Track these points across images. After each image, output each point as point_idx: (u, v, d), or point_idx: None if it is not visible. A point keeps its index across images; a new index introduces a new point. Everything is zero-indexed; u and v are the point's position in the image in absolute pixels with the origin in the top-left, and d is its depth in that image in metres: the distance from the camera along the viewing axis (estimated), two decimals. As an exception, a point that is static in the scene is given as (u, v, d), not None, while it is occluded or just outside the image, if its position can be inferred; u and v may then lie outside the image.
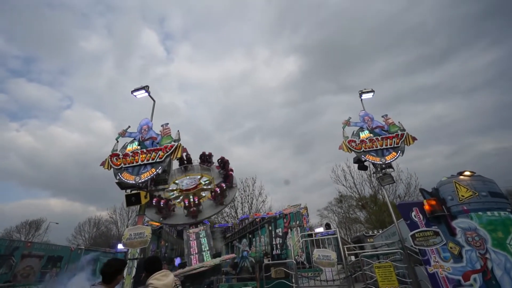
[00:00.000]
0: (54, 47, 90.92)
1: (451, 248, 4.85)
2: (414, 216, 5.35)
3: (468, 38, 64.77)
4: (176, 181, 12.27)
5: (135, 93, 7.78)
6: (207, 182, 11.79)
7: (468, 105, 60.42)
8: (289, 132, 78.09)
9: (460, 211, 5.06)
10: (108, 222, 34.90)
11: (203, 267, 7.66)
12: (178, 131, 6.65)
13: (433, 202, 5.17)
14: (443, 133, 55.16)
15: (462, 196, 5.12)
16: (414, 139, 7.35)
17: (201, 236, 8.97)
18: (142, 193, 5.84)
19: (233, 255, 10.80)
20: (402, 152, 7.24)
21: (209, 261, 8.16)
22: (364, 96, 8.65)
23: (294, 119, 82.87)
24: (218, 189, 9.92)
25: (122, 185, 6.36)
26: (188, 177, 12.42)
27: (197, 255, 8.49)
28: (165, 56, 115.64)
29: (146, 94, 7.80)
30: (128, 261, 5.52)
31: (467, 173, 5.49)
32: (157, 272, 2.68)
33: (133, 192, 5.97)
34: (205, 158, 12.81)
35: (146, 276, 2.72)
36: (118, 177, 6.40)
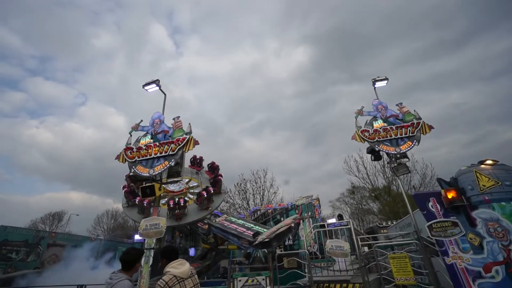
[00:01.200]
0: (67, 45, 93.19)
1: (470, 239, 4.70)
2: (431, 206, 5.20)
3: (493, 19, 60.74)
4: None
5: (146, 87, 7.85)
6: (194, 186, 11.48)
7: (489, 91, 57.30)
8: (300, 124, 77.32)
9: (481, 201, 4.87)
10: (125, 214, 36.12)
11: (282, 227, 7.81)
12: (189, 124, 6.70)
13: (452, 192, 5.00)
14: (461, 121, 52.83)
15: (484, 185, 4.91)
16: (430, 127, 7.07)
17: (233, 220, 9.24)
18: (156, 185, 5.97)
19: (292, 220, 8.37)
20: (418, 141, 6.99)
21: (286, 220, 8.33)
22: (378, 84, 8.36)
23: (305, 110, 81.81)
24: (205, 193, 9.46)
25: (137, 177, 6.53)
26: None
27: (249, 231, 8.19)
28: (174, 50, 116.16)
29: (157, 88, 7.86)
30: (145, 250, 5.70)
31: (489, 161, 5.25)
32: (174, 261, 2.76)
33: (147, 184, 6.11)
34: (196, 162, 12.45)
35: (163, 264, 2.80)
36: (133, 170, 6.56)
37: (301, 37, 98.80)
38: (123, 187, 10.16)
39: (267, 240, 7.36)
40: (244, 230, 8.40)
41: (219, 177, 10.70)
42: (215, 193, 9.86)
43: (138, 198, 9.12)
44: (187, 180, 11.64)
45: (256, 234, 7.90)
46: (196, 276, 2.81)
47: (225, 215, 10.28)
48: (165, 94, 8.02)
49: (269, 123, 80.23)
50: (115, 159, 6.91)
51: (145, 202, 9.02)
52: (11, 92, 79.39)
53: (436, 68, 62.84)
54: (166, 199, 10.79)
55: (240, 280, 6.00)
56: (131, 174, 6.64)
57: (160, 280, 2.58)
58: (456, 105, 56.83)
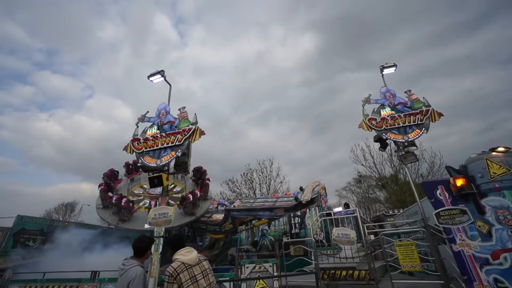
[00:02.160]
0: (73, 38, 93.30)
1: (479, 226, 4.67)
2: (439, 194, 5.16)
3: None
4: (144, 185, 11.30)
5: (151, 78, 7.86)
6: (179, 190, 11.11)
7: (504, 76, 54.91)
8: (307, 113, 76.54)
9: (490, 188, 4.80)
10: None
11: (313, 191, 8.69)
12: (195, 114, 6.71)
13: (461, 180, 4.93)
14: (473, 108, 51.33)
15: (494, 173, 4.83)
16: (440, 115, 6.90)
17: (251, 201, 9.94)
18: (164, 175, 6.07)
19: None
20: (427, 129, 6.85)
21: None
22: (386, 71, 8.15)
23: (311, 99, 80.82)
24: (190, 196, 8.95)
25: (144, 168, 6.64)
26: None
27: (278, 203, 9.07)
28: (179, 40, 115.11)
29: (162, 78, 7.85)
30: (154, 238, 5.87)
31: (501, 149, 5.13)
32: (182, 249, 2.84)
33: (155, 174, 6.21)
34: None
35: (171, 253, 2.88)
36: (140, 161, 6.66)
37: (307, 24, 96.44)
38: (99, 185, 9.68)
39: (310, 199, 8.42)
40: (273, 203, 9.16)
41: (207, 181, 10.36)
42: (200, 198, 9.28)
43: (115, 197, 8.60)
44: (172, 186, 11.13)
45: (296, 198, 8.72)
46: (204, 262, 2.88)
47: (239, 200, 10.33)
48: (170, 85, 8.01)
49: (275, 113, 79.77)
50: (123, 150, 7.01)
51: (123, 201, 8.48)
52: (21, 85, 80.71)
53: (448, 53, 60.74)
54: (146, 202, 10.28)
55: (247, 267, 6.15)
56: (138, 165, 6.74)
57: (169, 267, 2.66)
58: (468, 92, 55.12)
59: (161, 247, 5.87)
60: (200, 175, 11.08)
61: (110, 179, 10.69)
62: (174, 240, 2.98)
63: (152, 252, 5.59)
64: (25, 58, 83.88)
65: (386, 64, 8.11)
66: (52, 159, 65.86)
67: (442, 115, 6.89)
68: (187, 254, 2.78)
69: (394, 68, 8.10)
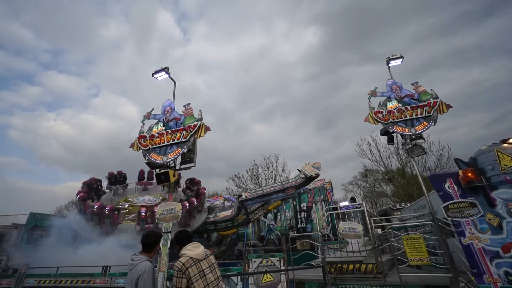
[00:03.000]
0: (77, 37, 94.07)
1: (489, 219, 4.59)
2: (448, 187, 5.09)
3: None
4: (129, 198, 11.05)
5: (155, 75, 7.88)
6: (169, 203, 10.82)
7: (514, 66, 53.40)
8: (311, 107, 75.99)
9: (501, 181, 4.70)
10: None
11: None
12: (200, 110, 6.72)
13: (470, 172, 4.84)
14: (481, 100, 50.04)
15: (505, 165, 4.72)
16: (448, 106, 6.76)
17: (258, 189, 10.30)
18: (171, 172, 6.13)
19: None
20: (435, 121, 6.73)
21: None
22: (392, 63, 7.99)
23: (316, 93, 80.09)
24: (187, 204, 8.49)
25: (151, 165, 6.71)
26: (148, 197, 11.42)
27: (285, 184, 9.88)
28: (182, 37, 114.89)
29: (166, 75, 7.87)
30: (163, 234, 5.96)
31: None
32: (189, 244, 2.90)
33: (162, 171, 6.28)
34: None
35: (179, 248, 2.95)
36: (147, 158, 6.73)
37: (310, 17, 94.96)
38: (78, 194, 9.20)
39: (316, 174, 9.42)
40: (282, 185, 10.08)
41: (203, 190, 10.21)
42: (197, 207, 9.09)
43: (97, 204, 7.87)
44: (161, 198, 10.87)
45: (304, 175, 9.65)
46: (211, 257, 2.92)
47: (246, 192, 10.58)
48: (174, 82, 8.03)
49: (279, 108, 79.38)
50: (130, 147, 7.09)
51: (106, 209, 7.78)
52: (28, 86, 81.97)
53: (456, 43, 59.12)
54: (131, 215, 9.72)
55: (255, 261, 6.21)
56: (145, 162, 6.81)
57: (178, 261, 2.71)
58: (476, 82, 53.73)
59: (169, 242, 5.96)
60: (195, 185, 10.89)
61: (89, 189, 10.27)
62: (181, 236, 3.04)
63: (161, 247, 5.69)
64: (32, 58, 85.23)
65: (392, 56, 7.95)
66: (61, 157, 67.30)
67: (451, 107, 6.75)
68: (194, 249, 2.83)
69: (401, 60, 7.93)
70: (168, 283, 5.70)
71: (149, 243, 3.15)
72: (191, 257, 2.73)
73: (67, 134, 74.28)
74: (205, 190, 10.67)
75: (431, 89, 7.15)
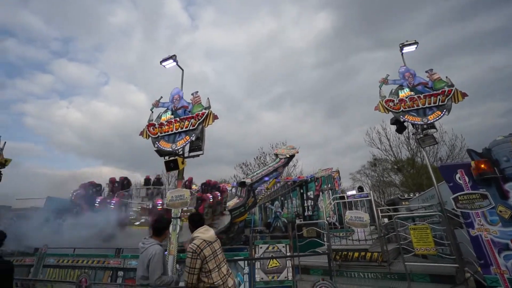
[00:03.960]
0: (85, 25, 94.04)
1: (500, 211, 4.51)
2: (459, 178, 4.98)
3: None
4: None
5: (163, 63, 7.86)
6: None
7: (537, 52, 50.28)
8: (321, 95, 74.64)
9: (516, 173, 4.57)
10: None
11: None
12: (208, 98, 6.72)
13: (484, 163, 4.72)
14: (500, 87, 47.67)
15: (522, 157, 4.57)
16: (464, 95, 6.49)
17: (254, 172, 11.28)
18: (179, 159, 6.24)
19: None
20: (448, 110, 6.50)
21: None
22: (406, 49, 7.65)
23: (325, 81, 78.29)
24: (210, 196, 8.14)
25: (160, 152, 6.83)
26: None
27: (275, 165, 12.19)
28: (189, 23, 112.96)
29: (174, 63, 7.83)
30: (172, 219, 6.15)
31: (529, 130, 4.82)
32: (200, 227, 3.07)
33: (171, 158, 6.40)
34: (184, 184, 11.80)
35: (191, 230, 3.11)
36: (156, 145, 6.85)
37: (321, 1, 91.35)
38: (73, 192, 9.46)
39: (295, 152, 12.45)
40: (272, 167, 12.34)
41: (225, 187, 10.33)
42: (220, 203, 9.07)
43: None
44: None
45: (286, 156, 12.31)
46: (218, 241, 3.12)
47: (247, 178, 11.56)
48: (182, 70, 8.00)
49: (288, 96, 78.37)
50: (139, 135, 7.21)
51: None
52: (41, 74, 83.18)
53: (474, 28, 55.85)
54: (141, 220, 9.71)
55: (261, 247, 6.35)
56: (154, 149, 6.93)
57: (192, 244, 2.87)
58: (495, 69, 50.99)
59: (178, 227, 6.15)
60: (210, 189, 10.66)
61: (86, 192, 10.39)
62: (195, 218, 3.21)
63: (170, 232, 5.89)
64: (43, 47, 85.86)
65: (406, 41, 7.62)
66: (75, 144, 69.04)
67: (466, 95, 6.49)
68: (206, 232, 3.01)
69: (415, 46, 7.59)
70: (177, 266, 5.94)
71: (159, 228, 3.28)
72: (204, 240, 2.90)
73: (79, 122, 75.85)
74: (226, 191, 10.72)
75: (446, 77, 6.88)
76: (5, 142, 8.63)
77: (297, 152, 12.46)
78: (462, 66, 52.77)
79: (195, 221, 3.15)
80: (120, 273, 6.42)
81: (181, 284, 3.41)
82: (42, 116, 75.05)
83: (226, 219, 10.13)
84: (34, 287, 3.57)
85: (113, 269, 6.48)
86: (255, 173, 12.07)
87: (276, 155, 12.80)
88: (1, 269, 2.65)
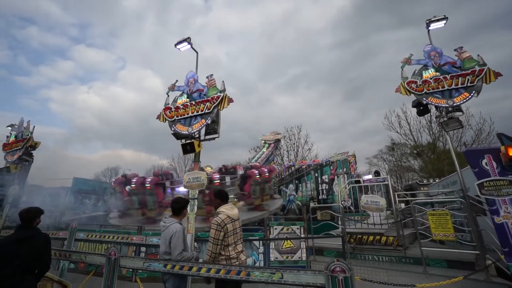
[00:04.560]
0: (100, 10, 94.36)
1: (529, 199, 4.29)
2: (485, 164, 4.74)
3: None
4: None
5: (178, 46, 7.81)
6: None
7: None
8: (338, 78, 71.68)
9: (550, 158, 4.27)
10: (169, 169, 40.30)
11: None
12: (223, 81, 6.66)
13: (515, 149, 4.44)
14: (538, 66, 43.45)
15: (558, 141, 4.25)
16: (498, 75, 5.94)
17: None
18: (196, 142, 6.34)
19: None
20: (478, 92, 6.01)
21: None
22: (433, 25, 7.00)
23: (343, 62, 74.81)
24: (256, 172, 7.62)
25: (177, 135, 6.97)
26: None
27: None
28: (203, 4, 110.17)
29: (189, 46, 7.76)
30: (189, 200, 6.37)
31: None
32: (225, 204, 3.27)
33: (187, 141, 6.52)
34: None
35: (217, 204, 3.31)
36: (173, 129, 6.98)
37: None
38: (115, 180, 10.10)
39: (280, 137, 16.14)
40: (268, 151, 14.85)
41: (273, 166, 11.13)
42: (271, 180, 9.01)
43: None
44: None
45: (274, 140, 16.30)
46: (240, 220, 3.33)
47: (253, 163, 11.88)
48: (197, 52, 7.93)
49: (304, 78, 76.07)
50: (156, 118, 7.36)
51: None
52: (62, 60, 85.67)
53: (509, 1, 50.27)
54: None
55: (276, 229, 6.50)
56: (171, 132, 7.07)
57: (217, 217, 3.08)
58: (534, 46, 46.25)
59: (195, 207, 6.38)
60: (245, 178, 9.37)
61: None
62: (223, 194, 3.40)
63: (188, 212, 6.13)
64: (62, 33, 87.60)
65: (434, 17, 7.00)
66: (95, 128, 71.97)
67: (500, 75, 5.96)
68: (231, 209, 3.22)
69: (444, 22, 6.96)
70: (195, 243, 6.23)
71: (178, 208, 3.48)
72: (228, 216, 3.11)
73: (98, 106, 78.44)
74: (274, 167, 11.18)
75: (478, 55, 6.31)
76: (34, 126, 9.13)
77: (282, 137, 14.36)
78: (496, 44, 48.35)
79: (222, 197, 3.33)
80: (143, 249, 6.85)
81: (200, 260, 3.59)
82: (65, 101, 78.28)
83: (278, 202, 9.84)
84: (70, 257, 3.99)
85: (136, 245, 6.92)
86: (256, 157, 13.07)
87: (265, 141, 14.95)
88: (41, 240, 2.94)
